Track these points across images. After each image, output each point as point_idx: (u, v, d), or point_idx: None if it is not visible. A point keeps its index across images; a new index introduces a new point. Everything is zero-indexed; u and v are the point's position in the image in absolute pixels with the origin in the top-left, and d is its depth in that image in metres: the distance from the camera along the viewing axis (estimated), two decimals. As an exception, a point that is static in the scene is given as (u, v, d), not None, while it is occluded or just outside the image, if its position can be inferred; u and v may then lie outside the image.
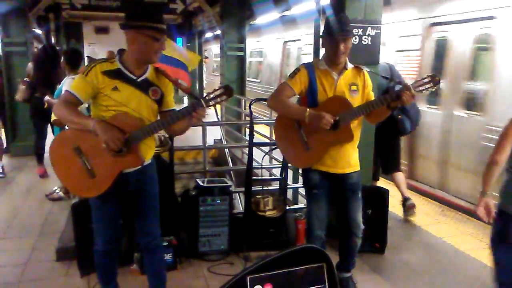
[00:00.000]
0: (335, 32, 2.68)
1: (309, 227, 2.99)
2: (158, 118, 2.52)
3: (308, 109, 2.68)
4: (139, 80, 2.41)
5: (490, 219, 2.38)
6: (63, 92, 3.24)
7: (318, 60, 2.86)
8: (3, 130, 7.12)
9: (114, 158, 2.35)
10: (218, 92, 2.33)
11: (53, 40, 12.91)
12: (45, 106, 4.88)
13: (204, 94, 2.39)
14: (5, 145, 6.75)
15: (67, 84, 4.45)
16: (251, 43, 13.31)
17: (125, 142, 2.32)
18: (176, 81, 2.56)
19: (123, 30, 2.37)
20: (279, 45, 11.98)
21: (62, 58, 4.77)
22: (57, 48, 7.47)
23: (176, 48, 4.52)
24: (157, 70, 2.51)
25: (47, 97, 4.86)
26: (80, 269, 3.35)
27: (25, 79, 5.70)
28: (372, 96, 2.89)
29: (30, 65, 5.86)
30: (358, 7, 3.78)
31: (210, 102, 2.32)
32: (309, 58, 4.34)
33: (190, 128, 2.55)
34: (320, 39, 2.90)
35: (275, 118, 3.00)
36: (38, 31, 13.13)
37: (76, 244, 3.37)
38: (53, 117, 4.34)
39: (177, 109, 2.49)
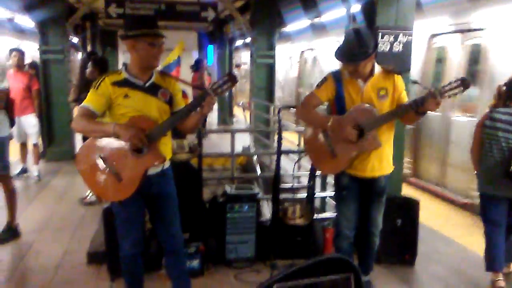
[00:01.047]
0: (343, 59, 2.71)
1: (337, 227, 3.04)
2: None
3: (331, 119, 2.73)
4: (146, 85, 2.53)
5: None
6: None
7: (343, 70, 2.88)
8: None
9: (137, 159, 2.45)
10: (222, 81, 2.43)
11: (89, 48, 13.31)
12: None
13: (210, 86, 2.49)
14: (41, 150, 6.98)
15: None
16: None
17: (146, 139, 2.41)
18: (180, 79, 2.66)
19: (123, 40, 2.53)
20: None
21: (90, 65, 4.93)
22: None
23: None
24: (162, 73, 2.65)
25: None
26: (110, 273, 3.41)
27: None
28: (404, 99, 2.84)
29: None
30: (389, 14, 3.74)
31: (218, 90, 2.43)
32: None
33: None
34: None
35: (303, 126, 3.01)
36: (75, 39, 13.56)
37: (106, 248, 3.44)
38: None
39: None
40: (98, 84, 2.48)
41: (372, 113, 2.73)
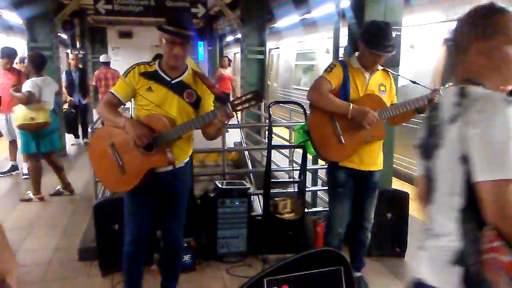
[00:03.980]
0: (377, 48, 2.69)
1: (330, 224, 3.05)
2: None
3: (351, 104, 2.73)
4: (173, 82, 2.48)
5: None
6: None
7: (351, 59, 2.91)
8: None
9: (143, 156, 2.44)
10: (246, 97, 2.30)
11: (78, 45, 13.21)
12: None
13: (232, 99, 2.40)
14: None
15: (28, 85, 4.80)
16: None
17: (154, 141, 2.39)
18: (213, 86, 2.57)
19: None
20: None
21: (26, 61, 4.97)
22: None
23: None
24: (196, 73, 2.56)
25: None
26: (101, 269, 3.41)
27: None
28: (395, 98, 2.98)
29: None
30: (378, 9, 3.75)
31: (238, 107, 2.30)
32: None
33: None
34: (358, 42, 2.87)
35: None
36: (64, 36, 13.44)
37: (97, 244, 3.43)
38: (18, 122, 4.79)
39: None
40: (128, 72, 2.47)
41: (384, 103, 2.82)
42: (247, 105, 2.30)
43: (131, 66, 2.50)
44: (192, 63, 4.38)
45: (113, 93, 2.50)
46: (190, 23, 2.43)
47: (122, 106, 2.63)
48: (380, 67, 2.90)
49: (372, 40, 2.70)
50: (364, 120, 2.69)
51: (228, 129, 8.57)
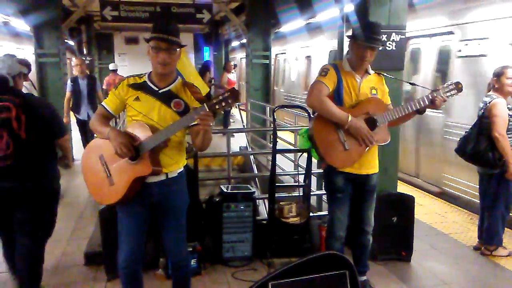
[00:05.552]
0: (362, 39, 2.74)
1: (331, 229, 3.05)
2: (187, 132, 2.56)
3: (350, 116, 2.73)
4: (160, 91, 2.47)
5: None
6: None
7: (342, 61, 2.93)
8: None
9: (129, 166, 2.42)
10: (224, 96, 2.23)
11: (85, 51, 13.32)
12: None
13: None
14: None
15: None
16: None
17: (135, 150, 2.37)
18: (196, 92, 2.51)
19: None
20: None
21: None
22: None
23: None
24: (186, 83, 2.55)
25: None
26: (107, 274, 3.43)
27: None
28: (388, 100, 3.01)
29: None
30: (382, 13, 3.75)
31: (216, 107, 2.24)
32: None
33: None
34: (348, 42, 2.94)
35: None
36: (71, 42, 13.57)
37: (103, 249, 3.45)
38: None
39: None
40: (118, 84, 2.52)
41: (385, 106, 2.86)
42: (223, 104, 2.23)
43: (123, 78, 2.56)
44: (192, 73, 4.30)
45: (103, 105, 2.55)
46: (175, 30, 2.42)
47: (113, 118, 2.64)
48: (371, 71, 2.91)
49: (358, 32, 2.78)
50: (359, 136, 2.74)
51: (234, 134, 8.65)
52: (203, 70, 10.09)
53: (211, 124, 2.31)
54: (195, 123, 2.34)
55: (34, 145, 2.85)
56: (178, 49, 2.44)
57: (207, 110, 2.24)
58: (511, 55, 4.82)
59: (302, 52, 11.70)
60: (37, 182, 2.94)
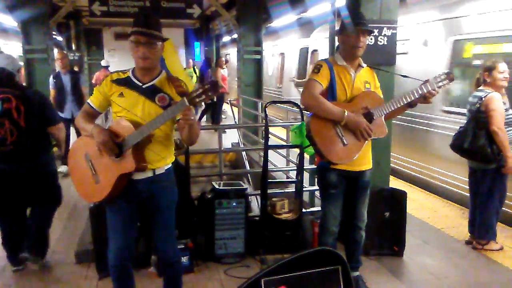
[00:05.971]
0: (352, 26, 2.76)
1: (324, 224, 3.05)
2: (175, 126, 2.52)
3: (346, 111, 2.71)
4: (144, 86, 2.43)
5: None
6: None
7: (334, 56, 2.93)
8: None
9: (113, 163, 2.38)
10: (203, 88, 2.20)
11: (73, 47, 13.17)
12: None
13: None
14: None
15: None
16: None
17: (118, 146, 2.34)
18: (178, 86, 2.45)
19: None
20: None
21: None
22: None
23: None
24: (170, 77, 2.50)
25: None
26: (98, 272, 3.40)
27: None
28: (380, 93, 3.01)
29: None
30: (374, 7, 3.74)
31: (196, 99, 2.20)
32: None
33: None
34: (337, 37, 2.97)
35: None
36: (59, 38, 13.41)
37: (94, 247, 3.42)
38: None
39: None
40: (102, 81, 2.48)
41: (381, 100, 2.85)
42: (203, 96, 2.19)
43: (107, 75, 2.52)
44: (180, 71, 4.24)
45: (88, 103, 2.53)
46: (155, 24, 2.38)
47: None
48: (364, 64, 2.92)
49: (345, 22, 2.83)
50: (357, 130, 2.73)
51: (226, 130, 8.61)
52: (209, 65, 10.15)
53: (192, 118, 2.29)
54: (179, 118, 2.33)
55: (32, 132, 3.25)
56: (159, 43, 2.40)
57: (187, 103, 2.21)
58: (424, 53, 6.08)
59: (277, 50, 13.42)
60: (36, 163, 3.35)
